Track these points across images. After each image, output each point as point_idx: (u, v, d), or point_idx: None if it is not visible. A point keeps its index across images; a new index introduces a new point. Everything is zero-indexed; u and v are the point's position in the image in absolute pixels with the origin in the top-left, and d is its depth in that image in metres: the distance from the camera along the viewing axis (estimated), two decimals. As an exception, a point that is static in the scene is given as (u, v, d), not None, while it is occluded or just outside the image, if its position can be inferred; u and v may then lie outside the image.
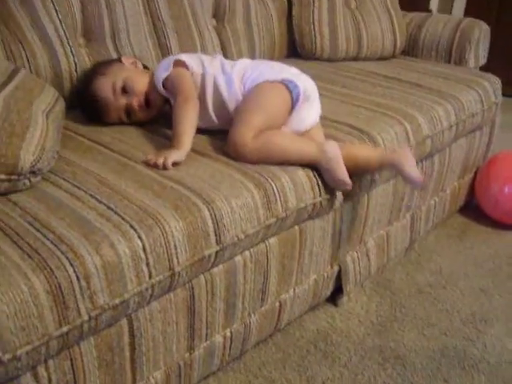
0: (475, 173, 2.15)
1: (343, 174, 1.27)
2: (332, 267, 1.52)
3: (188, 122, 1.27)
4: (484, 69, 2.18)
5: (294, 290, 1.42)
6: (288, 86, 1.33)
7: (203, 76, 1.38)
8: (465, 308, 1.67)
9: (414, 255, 1.91)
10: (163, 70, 1.39)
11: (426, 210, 1.88)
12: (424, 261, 1.89)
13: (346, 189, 1.30)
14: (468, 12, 3.48)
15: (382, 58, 2.15)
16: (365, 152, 1.37)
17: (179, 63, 1.40)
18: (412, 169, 1.32)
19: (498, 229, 2.08)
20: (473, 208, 2.19)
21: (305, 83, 1.37)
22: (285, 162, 1.25)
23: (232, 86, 1.35)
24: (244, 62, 1.44)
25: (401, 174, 1.36)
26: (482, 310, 1.66)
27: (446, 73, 1.98)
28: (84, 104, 1.46)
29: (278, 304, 1.38)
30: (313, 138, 1.35)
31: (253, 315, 1.33)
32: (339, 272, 1.56)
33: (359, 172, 1.36)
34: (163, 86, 1.38)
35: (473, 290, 1.75)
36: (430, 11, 3.56)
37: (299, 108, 1.35)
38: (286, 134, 1.32)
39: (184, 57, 1.42)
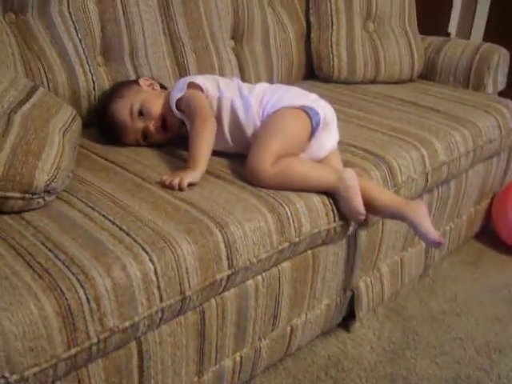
0: (492, 198, 2.13)
1: (359, 204, 1.25)
2: (345, 292, 1.51)
3: (204, 143, 1.27)
4: (502, 94, 2.16)
5: (306, 314, 1.40)
6: (308, 112, 1.32)
7: (219, 99, 1.38)
8: (479, 337, 1.64)
9: (428, 281, 1.89)
10: (177, 91, 1.39)
11: (442, 235, 1.85)
12: (438, 287, 1.86)
13: (359, 219, 1.28)
14: (487, 36, 3.47)
15: (399, 82, 2.14)
16: (381, 194, 1.32)
17: (194, 85, 1.40)
18: (429, 228, 1.26)
19: (515, 256, 2.05)
20: (489, 234, 2.16)
21: (325, 110, 1.36)
22: (303, 189, 1.24)
23: (249, 110, 1.35)
24: (262, 86, 1.43)
25: (416, 232, 1.29)
26: (496, 339, 1.63)
27: (464, 98, 1.97)
28: (102, 126, 1.47)
29: (289, 329, 1.37)
30: (331, 164, 1.34)
31: (263, 340, 1.31)
32: (352, 297, 1.54)
33: (368, 210, 1.32)
34: (177, 108, 1.38)
35: (487, 318, 1.72)
36: (448, 34, 3.56)
37: (319, 135, 1.34)
38: (304, 160, 1.31)
39: (199, 79, 1.42)
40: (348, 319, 1.59)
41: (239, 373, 1.29)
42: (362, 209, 1.26)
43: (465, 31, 3.60)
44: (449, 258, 2.00)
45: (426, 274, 1.89)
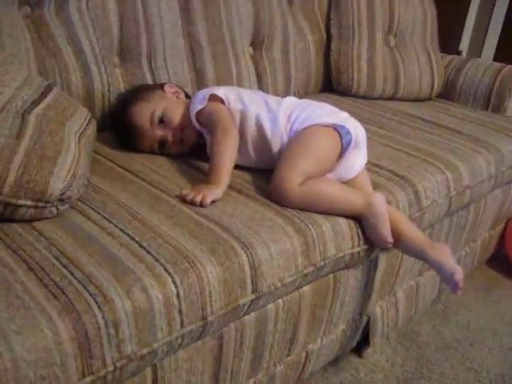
0: (506, 223, 2.07)
1: (387, 231, 1.19)
2: (361, 317, 1.44)
3: (227, 157, 1.20)
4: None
5: (322, 340, 1.34)
6: (339, 131, 1.25)
7: (243, 112, 1.30)
8: (494, 368, 1.58)
9: (440, 307, 1.83)
10: (198, 103, 1.32)
11: (457, 260, 1.79)
12: (451, 314, 1.80)
13: (387, 247, 1.22)
14: (497, 55, 3.43)
15: (417, 100, 2.09)
16: (409, 228, 1.24)
17: (215, 98, 1.33)
18: (454, 266, 1.18)
19: (527, 284, 2.00)
20: (501, 260, 2.11)
21: (356, 130, 1.29)
22: (329, 213, 1.17)
23: (277, 125, 1.27)
24: (290, 101, 1.36)
25: (439, 272, 1.21)
26: (511, 371, 1.58)
27: (485, 120, 1.92)
28: (118, 127, 1.39)
29: (304, 354, 1.30)
30: (360, 186, 1.27)
31: (278, 365, 1.25)
32: (367, 322, 1.48)
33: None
34: (197, 120, 1.31)
35: (502, 348, 1.67)
36: (459, 53, 3.52)
37: (348, 155, 1.27)
38: (333, 182, 1.25)
39: (221, 91, 1.34)
40: (361, 344, 1.53)
41: (251, 400, 1.22)
42: (389, 237, 1.19)
43: (476, 50, 3.56)
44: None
45: (438, 300, 1.83)
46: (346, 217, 1.19)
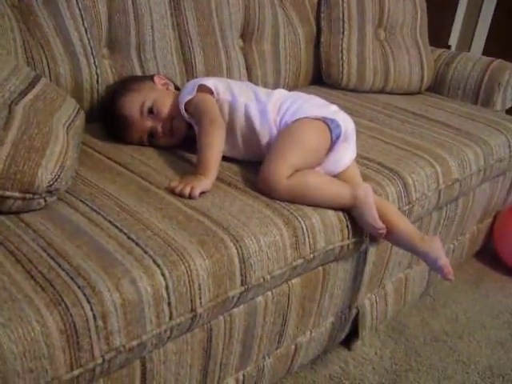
0: (494, 217, 2.08)
1: (375, 220, 1.19)
2: (350, 310, 1.44)
3: (215, 147, 1.19)
4: (509, 112, 2.13)
5: (311, 332, 1.34)
6: (329, 124, 1.25)
7: (231, 103, 1.30)
8: (482, 361, 1.59)
9: (429, 300, 1.83)
10: (187, 94, 1.31)
11: (445, 253, 1.80)
12: (439, 306, 1.81)
13: (380, 234, 1.22)
14: (487, 49, 3.44)
15: (407, 93, 2.08)
16: (399, 219, 1.24)
17: (204, 88, 1.32)
18: (443, 261, 1.19)
19: (515, 277, 2.01)
20: (489, 253, 2.12)
21: (345, 123, 1.29)
22: (317, 205, 1.17)
23: (266, 117, 1.26)
24: (280, 93, 1.35)
25: (429, 264, 1.23)
26: (499, 364, 1.59)
27: (474, 114, 1.92)
28: (107, 118, 1.38)
29: (293, 347, 1.30)
30: (349, 179, 1.27)
31: (267, 358, 1.25)
32: (356, 315, 1.48)
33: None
34: (186, 111, 1.30)
35: (490, 341, 1.68)
36: (449, 47, 3.53)
37: (337, 148, 1.27)
38: (320, 175, 1.24)
39: (210, 82, 1.34)
40: (350, 337, 1.53)
41: (240, 392, 1.22)
42: (378, 224, 1.19)
43: (465, 44, 3.57)
44: (449, 277, 1.95)
45: (427, 293, 1.84)
46: (335, 209, 1.19)
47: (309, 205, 1.16)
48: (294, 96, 1.35)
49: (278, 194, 1.15)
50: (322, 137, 1.24)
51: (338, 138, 1.25)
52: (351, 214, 1.21)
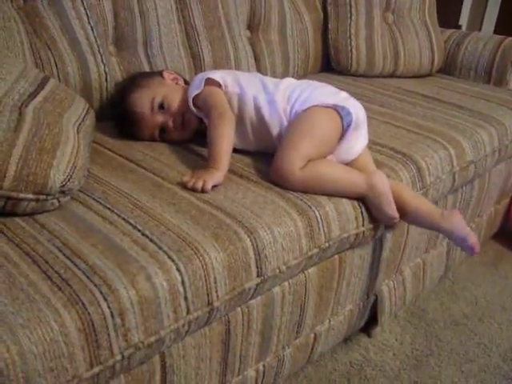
0: (511, 198, 2.06)
1: (392, 210, 1.18)
2: (368, 297, 1.44)
3: (225, 140, 1.19)
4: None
5: (330, 321, 1.34)
6: (340, 112, 1.23)
7: (240, 96, 1.29)
8: (503, 343, 1.58)
9: (448, 283, 1.83)
10: (194, 88, 1.31)
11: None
12: (458, 290, 1.80)
13: (393, 224, 1.22)
14: (498, 28, 3.40)
15: (418, 76, 2.07)
16: (415, 199, 1.24)
17: (212, 82, 1.31)
18: (465, 231, 1.18)
19: (534, 258, 1.99)
20: (507, 234, 2.10)
21: (356, 110, 1.27)
22: (331, 194, 1.16)
23: (275, 107, 1.26)
24: (289, 81, 1.34)
25: (453, 239, 1.21)
26: (521, 345, 1.58)
27: (487, 94, 1.90)
28: (118, 115, 1.38)
29: (312, 336, 1.30)
30: (362, 166, 1.26)
31: (287, 348, 1.25)
32: (374, 302, 1.47)
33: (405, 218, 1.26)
34: (194, 105, 1.30)
35: (511, 323, 1.66)
36: (459, 26, 3.48)
37: (349, 136, 1.26)
38: (335, 164, 1.23)
39: (218, 75, 1.33)
40: (369, 324, 1.53)
41: (262, 383, 1.22)
42: (395, 213, 1.19)
43: (476, 24, 3.52)
44: (468, 260, 1.94)
45: (445, 276, 1.83)
46: (350, 198, 1.19)
47: (323, 195, 1.16)
48: (303, 84, 1.34)
49: (292, 185, 1.14)
50: (334, 125, 1.23)
51: (349, 125, 1.24)
52: (365, 202, 1.20)
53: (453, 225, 1.19)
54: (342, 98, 1.30)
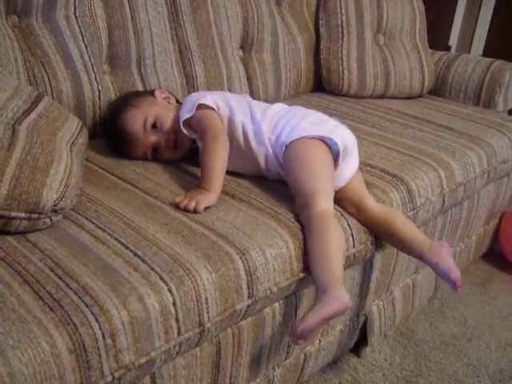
0: (500, 218, 2.08)
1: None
2: (358, 317, 1.44)
3: (219, 162, 1.20)
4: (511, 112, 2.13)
5: (320, 341, 1.34)
6: (328, 143, 1.23)
7: (230, 119, 1.30)
8: (492, 364, 1.59)
9: (437, 304, 1.83)
10: (186, 111, 1.31)
11: (453, 256, 1.80)
12: (447, 310, 1.81)
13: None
14: (487, 50, 3.45)
15: (408, 97, 2.09)
16: (405, 224, 1.26)
17: (204, 106, 1.31)
18: (451, 266, 1.19)
19: (523, 278, 2.01)
20: (496, 255, 2.11)
21: (344, 140, 1.25)
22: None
23: (261, 136, 1.26)
24: (277, 108, 1.34)
25: (436, 271, 1.21)
26: (509, 366, 1.59)
27: (476, 116, 1.92)
28: (110, 134, 1.39)
29: (302, 356, 1.30)
30: (353, 190, 1.26)
31: (277, 368, 1.25)
32: (364, 322, 1.48)
33: (384, 237, 1.28)
34: (187, 127, 1.30)
35: (499, 344, 1.67)
36: (449, 48, 3.53)
37: (339, 164, 1.24)
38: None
39: (209, 98, 1.32)
40: (359, 344, 1.53)
41: (251, 404, 1.22)
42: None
43: (465, 44, 3.57)
44: (457, 280, 1.95)
45: (435, 297, 1.83)
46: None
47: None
48: (291, 112, 1.33)
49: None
50: (325, 153, 1.22)
51: (337, 155, 1.23)
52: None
53: (439, 258, 1.19)
54: (330, 127, 1.29)
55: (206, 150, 1.22)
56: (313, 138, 1.23)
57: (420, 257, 1.23)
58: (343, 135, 1.27)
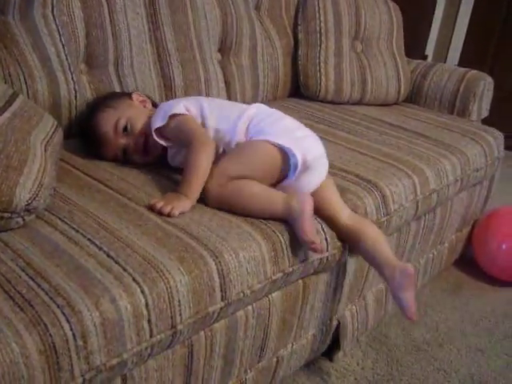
0: (472, 225, 2.11)
1: (309, 232, 1.13)
2: (331, 322, 1.45)
3: (202, 170, 1.18)
4: (485, 121, 2.17)
5: (292, 345, 1.34)
6: (287, 152, 1.22)
7: (203, 126, 1.30)
8: (462, 369, 1.61)
9: (409, 309, 1.85)
10: (159, 120, 1.29)
11: (425, 263, 1.83)
12: (419, 315, 1.82)
13: (312, 248, 1.15)
14: (463, 59, 3.50)
15: (384, 104, 2.11)
16: (377, 237, 1.26)
17: (177, 115, 1.30)
18: (410, 301, 1.18)
19: (494, 285, 2.03)
20: (468, 261, 2.14)
21: (306, 152, 1.23)
22: (249, 213, 1.15)
23: (236, 138, 1.28)
24: (254, 109, 1.34)
25: (394, 297, 1.22)
26: (479, 371, 1.60)
27: (451, 124, 1.95)
28: (83, 134, 1.39)
29: (275, 360, 1.30)
30: (326, 198, 1.27)
31: (249, 371, 1.25)
32: (337, 326, 1.49)
33: (352, 243, 1.28)
34: (159, 134, 1.30)
35: (470, 349, 1.69)
36: (426, 57, 3.58)
37: (298, 175, 1.24)
38: (256, 184, 1.20)
39: (182, 106, 1.32)
40: (332, 348, 1.54)
41: (223, 407, 1.22)
42: (312, 238, 1.13)
43: (442, 54, 3.62)
44: (429, 285, 1.97)
45: (407, 302, 1.85)
46: (267, 218, 1.17)
47: (241, 211, 1.15)
48: (264, 114, 1.34)
49: (209, 199, 1.17)
50: (270, 159, 1.23)
51: (295, 167, 1.22)
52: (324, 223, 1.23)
53: (400, 287, 1.19)
54: (296, 137, 1.28)
55: (193, 157, 1.20)
56: (273, 144, 1.23)
57: (381, 274, 1.25)
58: (309, 147, 1.26)
